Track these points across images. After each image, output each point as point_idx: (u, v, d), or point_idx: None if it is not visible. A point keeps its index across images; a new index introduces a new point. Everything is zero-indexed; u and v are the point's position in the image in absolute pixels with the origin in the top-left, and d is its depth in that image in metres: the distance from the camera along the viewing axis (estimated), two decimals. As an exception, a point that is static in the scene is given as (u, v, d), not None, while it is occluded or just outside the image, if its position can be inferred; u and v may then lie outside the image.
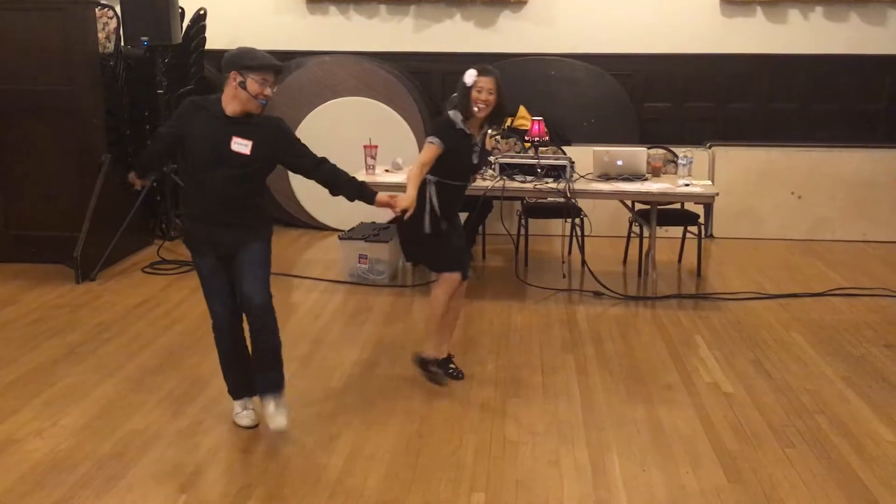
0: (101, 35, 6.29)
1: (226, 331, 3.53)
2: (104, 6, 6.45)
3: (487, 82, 3.80)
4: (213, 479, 3.18)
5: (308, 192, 6.86)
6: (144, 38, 6.03)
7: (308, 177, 3.57)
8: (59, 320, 4.86)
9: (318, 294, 5.42)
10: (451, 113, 3.88)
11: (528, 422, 3.65)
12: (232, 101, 3.33)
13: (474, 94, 3.80)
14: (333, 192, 3.60)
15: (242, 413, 3.63)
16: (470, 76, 3.81)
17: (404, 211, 3.66)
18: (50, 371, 4.14)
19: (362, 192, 3.60)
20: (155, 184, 6.39)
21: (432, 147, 3.82)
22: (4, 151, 5.86)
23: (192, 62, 6.74)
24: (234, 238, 3.39)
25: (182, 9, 6.44)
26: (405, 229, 3.95)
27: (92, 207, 5.72)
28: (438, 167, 3.86)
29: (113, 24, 6.47)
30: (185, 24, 6.58)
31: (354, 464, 3.28)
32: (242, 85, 3.29)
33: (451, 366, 4.11)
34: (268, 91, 3.34)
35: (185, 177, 3.44)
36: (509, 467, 3.27)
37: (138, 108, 6.64)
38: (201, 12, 6.68)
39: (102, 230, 5.74)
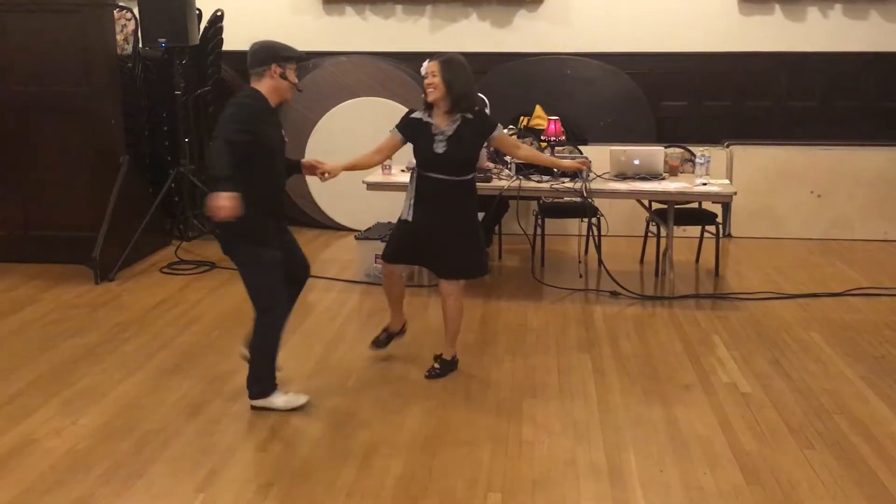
0: (119, 37, 6.33)
1: (285, 323, 3.73)
2: (122, 8, 6.50)
3: (431, 66, 3.89)
4: (230, 478, 3.19)
5: (324, 193, 6.88)
6: (162, 40, 6.06)
7: None
8: (78, 320, 4.90)
9: (335, 294, 5.43)
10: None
11: (545, 421, 3.64)
12: (273, 93, 3.52)
13: (424, 81, 3.92)
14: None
15: (293, 396, 3.75)
16: (423, 66, 3.97)
17: (324, 175, 3.90)
18: (69, 371, 4.18)
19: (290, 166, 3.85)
20: (173, 185, 6.43)
21: (388, 136, 4.05)
22: (24, 152, 5.91)
23: (210, 63, 6.78)
24: (284, 228, 3.74)
25: (199, 10, 6.48)
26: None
27: (110, 208, 5.76)
28: (415, 159, 4.04)
29: (131, 25, 6.52)
30: (202, 26, 6.62)
31: (371, 463, 3.29)
32: (283, 76, 3.50)
33: (435, 365, 4.16)
34: (296, 79, 3.60)
35: (253, 176, 3.45)
36: (526, 467, 3.27)
37: (156, 110, 6.69)
38: (218, 14, 6.72)
39: (121, 231, 5.78)
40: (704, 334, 4.70)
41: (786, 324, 4.86)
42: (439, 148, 3.92)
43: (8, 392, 3.92)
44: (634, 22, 7.23)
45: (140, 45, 6.43)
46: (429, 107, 3.95)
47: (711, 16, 7.20)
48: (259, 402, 3.73)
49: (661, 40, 7.23)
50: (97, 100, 5.81)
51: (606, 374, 4.15)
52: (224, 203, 3.28)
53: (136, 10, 6.28)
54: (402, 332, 4.40)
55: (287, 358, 4.35)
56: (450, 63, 3.88)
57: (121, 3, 6.46)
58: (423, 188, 3.98)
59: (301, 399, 3.76)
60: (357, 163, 4.08)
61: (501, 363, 4.30)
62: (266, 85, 3.50)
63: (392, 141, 4.04)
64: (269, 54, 3.48)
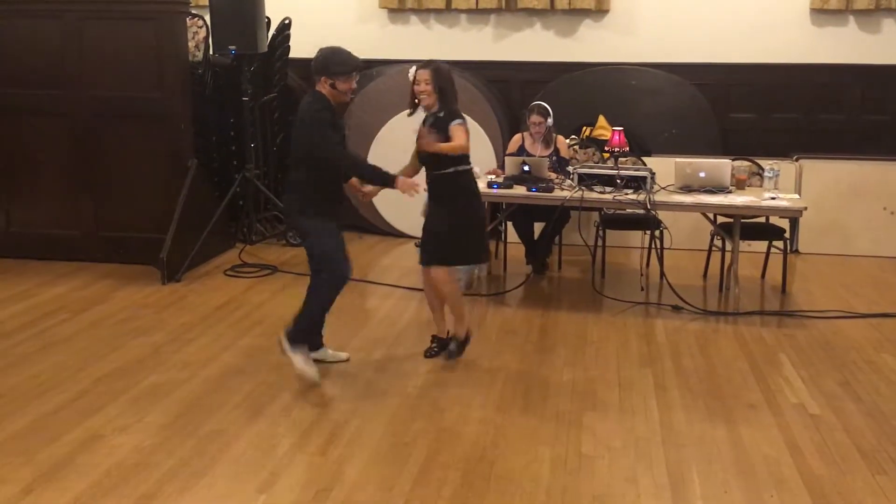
0: (190, 44, 6.49)
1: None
2: (194, 16, 6.66)
3: (422, 74, 4.18)
4: (290, 481, 3.22)
5: (385, 200, 6.92)
6: (232, 47, 6.19)
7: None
8: (145, 320, 5.02)
9: (395, 301, 5.45)
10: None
11: (605, 436, 3.59)
12: (330, 96, 3.99)
13: (415, 87, 4.20)
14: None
15: (308, 367, 4.06)
16: (410, 72, 4.26)
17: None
18: (136, 369, 4.28)
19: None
20: (238, 189, 6.55)
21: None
22: (97, 156, 6.09)
23: (277, 70, 6.90)
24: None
25: (268, 18, 6.59)
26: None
27: (178, 211, 5.89)
28: None
29: (202, 33, 6.67)
30: (270, 33, 6.74)
31: (429, 472, 3.28)
32: (333, 86, 3.96)
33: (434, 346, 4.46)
34: (354, 84, 4.04)
35: (322, 167, 4.02)
36: (585, 483, 3.22)
37: (224, 115, 6.83)
38: (286, 21, 6.84)
39: (188, 233, 5.91)
40: (771, 352, 4.59)
41: (856, 344, 4.71)
42: (419, 146, 4.23)
43: (77, 389, 4.03)
44: (701, 32, 7.12)
45: (210, 52, 6.58)
46: (415, 109, 4.28)
47: (782, 26, 7.05)
48: (286, 346, 4.05)
49: (728, 51, 7.11)
50: (168, 105, 5.96)
51: (668, 391, 4.07)
52: (408, 184, 4.06)
53: (207, 18, 6.43)
54: (454, 340, 4.44)
55: (346, 364, 4.40)
56: (437, 71, 4.18)
57: (193, 11, 6.61)
58: (428, 184, 4.32)
59: (313, 376, 4.04)
60: (407, 170, 4.39)
61: (560, 375, 4.26)
62: (324, 90, 4.00)
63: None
64: (320, 67, 3.95)
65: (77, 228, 6.20)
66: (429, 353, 4.46)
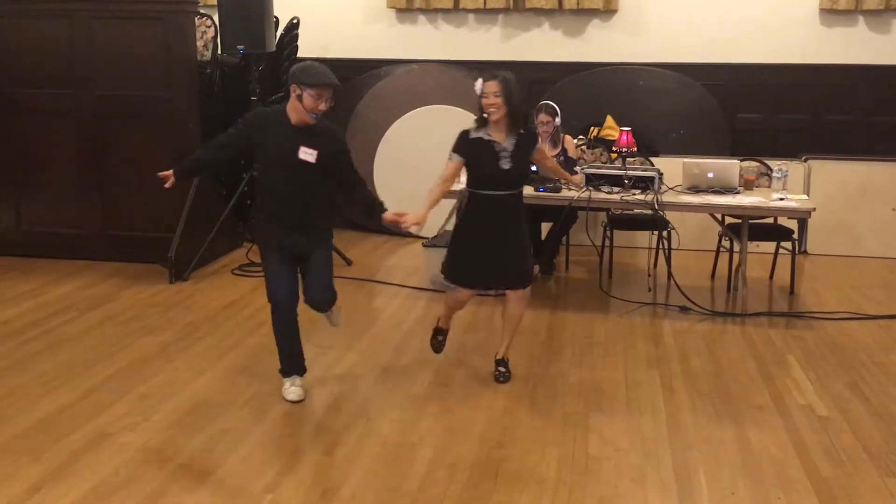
0: (199, 43, 6.50)
1: (285, 318, 3.86)
2: (203, 15, 6.67)
3: (491, 86, 3.88)
4: (297, 480, 3.23)
5: (393, 199, 6.92)
6: (240, 47, 6.19)
7: (346, 192, 3.90)
8: (152, 318, 5.03)
9: (401, 301, 5.45)
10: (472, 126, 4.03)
11: (612, 437, 3.58)
12: (293, 111, 3.65)
13: (483, 101, 3.92)
14: (352, 208, 3.92)
15: (290, 389, 3.89)
16: (477, 85, 3.96)
17: (416, 225, 3.85)
18: (143, 368, 4.29)
19: (374, 210, 3.88)
20: (246, 188, 6.55)
21: (449, 163, 4.01)
22: (105, 155, 6.11)
23: (284, 70, 6.90)
24: (304, 239, 3.77)
25: (276, 18, 6.60)
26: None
27: (186, 210, 5.91)
28: (470, 178, 4.05)
29: (210, 32, 6.69)
30: (278, 33, 6.75)
31: (436, 472, 3.28)
32: (299, 98, 3.59)
33: (501, 368, 4.23)
34: (322, 106, 3.61)
35: (259, 180, 3.87)
36: (592, 483, 3.22)
37: (232, 115, 6.82)
38: (294, 21, 6.84)
39: (195, 232, 5.93)
40: (778, 354, 4.57)
41: (865, 345, 4.69)
42: (505, 164, 3.94)
43: (85, 387, 4.04)
44: (710, 32, 7.10)
45: (219, 52, 6.59)
46: (483, 124, 3.97)
47: (790, 26, 7.03)
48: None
49: (737, 51, 7.09)
50: (177, 104, 5.98)
51: (676, 391, 4.06)
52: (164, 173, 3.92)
53: (215, 18, 6.44)
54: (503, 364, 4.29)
55: (353, 364, 4.40)
56: (508, 82, 3.89)
57: (201, 11, 6.63)
58: (481, 206, 4.00)
59: (293, 396, 3.88)
60: (436, 199, 4.05)
61: (567, 375, 4.25)
62: (290, 102, 3.66)
63: (456, 166, 4.02)
64: (293, 75, 3.63)
65: (85, 227, 6.22)
66: (437, 345, 4.40)
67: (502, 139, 3.96)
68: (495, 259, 4.02)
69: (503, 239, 4.01)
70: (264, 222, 3.82)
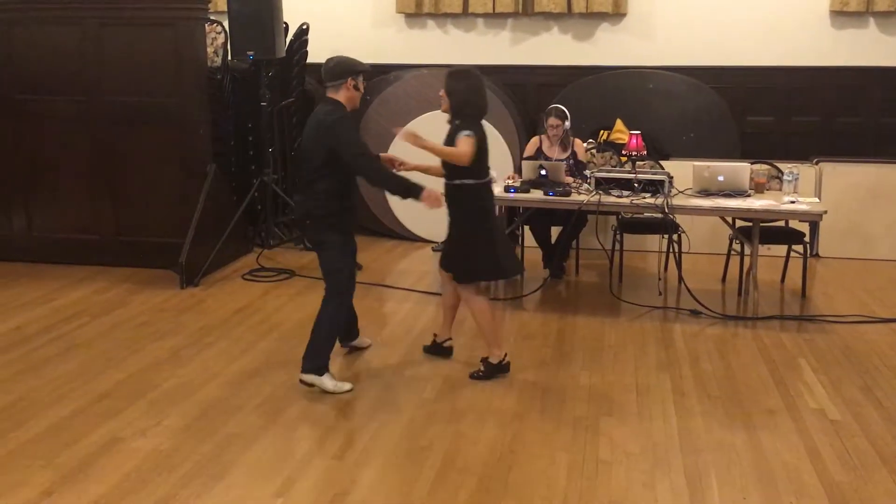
0: (209, 49, 6.53)
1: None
2: (213, 22, 6.70)
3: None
4: (307, 484, 3.23)
5: (402, 204, 6.93)
6: (250, 52, 6.22)
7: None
8: (164, 323, 5.05)
9: (411, 305, 5.46)
10: None
11: (622, 441, 3.57)
12: (349, 101, 4.00)
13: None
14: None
15: (341, 383, 4.08)
16: None
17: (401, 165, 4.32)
18: (155, 372, 4.31)
19: None
20: (256, 194, 6.58)
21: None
22: (116, 160, 6.14)
23: (294, 75, 6.93)
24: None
25: (286, 24, 6.63)
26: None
27: (197, 215, 5.93)
28: None
29: (221, 38, 6.72)
30: (288, 39, 6.77)
31: (446, 476, 3.28)
32: (356, 87, 3.99)
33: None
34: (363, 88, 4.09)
35: (341, 174, 3.99)
36: (602, 488, 3.21)
37: (242, 120, 6.87)
38: (304, 27, 6.87)
39: (206, 237, 5.95)
40: (790, 357, 4.55)
41: (878, 349, 4.66)
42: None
43: (97, 392, 4.06)
44: (719, 35, 7.09)
45: (229, 58, 6.62)
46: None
47: (801, 29, 7.00)
48: (309, 378, 4.04)
49: (747, 54, 7.07)
50: (187, 110, 6.00)
51: (686, 396, 4.05)
52: (434, 197, 3.94)
53: (225, 24, 6.48)
54: (447, 348, 4.49)
55: (363, 368, 4.40)
56: (451, 75, 4.11)
57: (212, 17, 6.66)
58: None
59: (346, 386, 4.06)
60: (430, 169, 4.32)
61: (577, 379, 4.24)
62: (343, 96, 3.98)
63: None
64: (347, 68, 3.97)
65: (97, 233, 6.25)
66: (425, 348, 4.55)
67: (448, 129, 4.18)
68: (445, 246, 4.32)
69: (449, 227, 4.24)
70: (343, 211, 4.04)
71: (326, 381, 4.03)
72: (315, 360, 4.04)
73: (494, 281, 5.06)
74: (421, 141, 3.97)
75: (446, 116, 4.15)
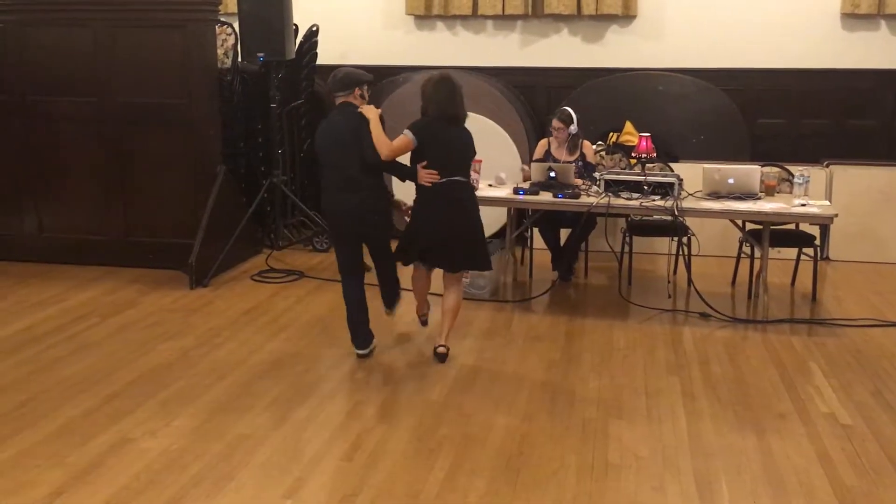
0: (219, 51, 6.55)
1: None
2: (223, 23, 6.72)
3: None
4: (316, 486, 3.23)
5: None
6: (260, 54, 6.23)
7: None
8: (173, 324, 5.07)
9: (420, 306, 5.45)
10: None
11: (632, 444, 3.56)
12: (361, 108, 4.43)
13: None
14: None
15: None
16: None
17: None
18: (165, 373, 4.32)
19: None
20: (266, 195, 6.59)
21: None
22: (126, 161, 6.17)
23: (304, 77, 6.94)
24: None
25: (296, 25, 6.64)
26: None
27: (206, 216, 5.95)
28: None
29: (231, 40, 6.73)
30: (298, 41, 6.78)
31: (455, 478, 3.28)
32: (362, 96, 4.44)
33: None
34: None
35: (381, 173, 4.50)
36: (612, 491, 3.20)
37: (252, 122, 6.88)
38: (314, 28, 6.88)
39: (215, 238, 5.96)
40: (801, 361, 4.53)
41: (889, 352, 4.64)
42: None
43: (107, 392, 4.08)
44: (730, 37, 7.07)
45: (239, 59, 6.63)
46: None
47: (811, 31, 6.97)
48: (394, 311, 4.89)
49: (757, 56, 7.05)
50: (197, 112, 6.02)
51: (696, 399, 4.03)
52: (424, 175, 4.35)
53: (236, 26, 6.49)
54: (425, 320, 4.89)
55: (371, 369, 4.41)
56: (426, 82, 4.47)
57: (222, 19, 6.68)
58: None
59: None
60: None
61: (586, 382, 4.24)
62: (357, 101, 4.42)
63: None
64: (353, 80, 4.39)
65: (107, 233, 6.28)
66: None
67: None
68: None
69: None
70: (387, 204, 4.61)
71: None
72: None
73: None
74: (373, 122, 4.34)
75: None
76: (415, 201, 4.50)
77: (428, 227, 4.44)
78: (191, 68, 5.97)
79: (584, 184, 5.56)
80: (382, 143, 4.31)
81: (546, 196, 5.42)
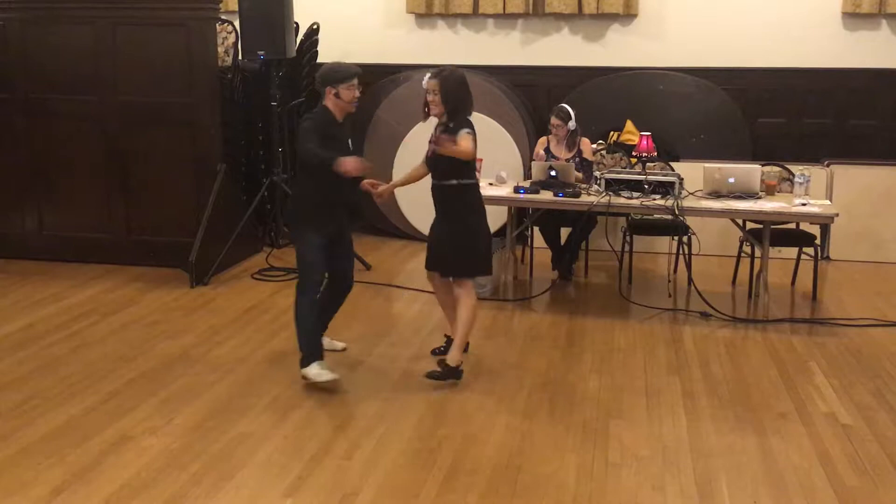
0: (220, 49, 6.55)
1: (316, 301, 4.18)
2: (224, 22, 6.72)
3: (430, 84, 4.08)
4: (317, 485, 3.23)
5: (412, 203, 6.94)
6: (261, 52, 6.24)
7: None
8: (174, 322, 5.07)
9: (420, 306, 5.46)
10: None
11: (632, 444, 3.56)
12: (337, 108, 4.11)
13: (426, 96, 4.12)
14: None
15: (324, 371, 4.07)
16: (424, 80, 4.13)
17: (380, 197, 4.34)
18: (165, 371, 4.32)
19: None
20: (266, 193, 6.59)
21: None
22: (127, 160, 6.17)
23: (304, 75, 6.94)
24: (343, 217, 4.25)
25: (297, 24, 6.64)
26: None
27: (207, 215, 5.95)
28: None
29: (231, 38, 6.74)
30: (298, 39, 6.78)
31: (455, 478, 3.28)
32: (337, 96, 4.06)
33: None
34: (357, 94, 4.11)
35: (317, 174, 4.07)
36: (612, 491, 3.20)
37: (253, 120, 6.88)
38: (314, 27, 6.88)
39: (216, 237, 5.96)
40: (801, 361, 4.53)
41: (889, 352, 4.64)
42: (429, 152, 4.17)
43: (107, 390, 4.08)
44: (731, 36, 7.06)
45: (239, 57, 6.63)
46: (427, 117, 4.20)
47: (813, 30, 6.97)
48: (302, 371, 4.12)
49: (758, 55, 7.04)
50: (198, 110, 6.02)
51: (696, 398, 4.04)
52: (351, 164, 3.90)
53: (236, 24, 6.49)
54: (443, 364, 4.22)
55: (372, 368, 4.41)
56: (448, 81, 4.07)
57: (223, 17, 6.68)
58: (432, 193, 4.24)
59: (326, 375, 4.04)
60: (410, 177, 4.44)
61: (587, 381, 4.24)
62: (329, 102, 4.10)
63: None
64: (324, 79, 4.08)
65: (108, 232, 6.28)
66: (436, 351, 4.47)
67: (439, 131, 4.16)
68: (436, 247, 4.28)
69: (440, 227, 4.24)
70: (314, 207, 4.13)
71: (310, 371, 4.08)
72: (301, 353, 4.17)
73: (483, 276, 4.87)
74: (449, 147, 3.98)
75: (472, 120, 4.14)
76: (472, 206, 4.21)
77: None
78: (192, 66, 5.97)
79: (582, 183, 5.55)
80: (469, 151, 4.02)
81: (546, 195, 5.43)
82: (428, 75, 4.11)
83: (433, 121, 4.29)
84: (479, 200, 4.25)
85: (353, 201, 4.32)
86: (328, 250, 4.15)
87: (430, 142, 4.18)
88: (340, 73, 4.05)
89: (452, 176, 4.13)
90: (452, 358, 4.17)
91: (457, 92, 4.06)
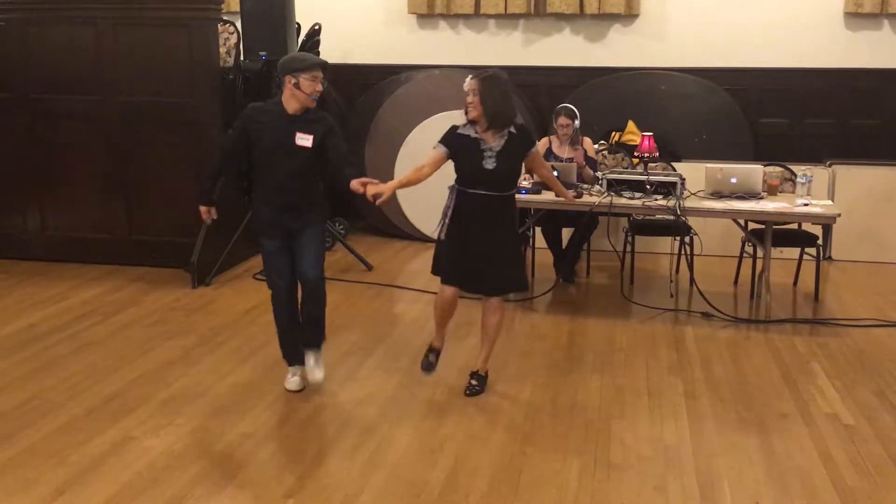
0: (221, 49, 6.55)
1: (284, 303, 4.05)
2: (226, 22, 6.72)
3: (470, 84, 3.86)
4: (318, 485, 3.23)
5: (413, 204, 6.94)
6: (263, 53, 6.23)
7: (336, 169, 3.92)
8: (176, 323, 5.07)
9: (422, 306, 5.45)
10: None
11: (634, 445, 3.56)
12: (293, 100, 3.84)
13: (466, 98, 3.89)
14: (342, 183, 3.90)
15: (292, 379, 4.08)
16: (465, 82, 3.90)
17: (375, 197, 3.79)
18: (167, 372, 4.32)
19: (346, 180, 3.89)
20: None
21: (431, 151, 3.95)
22: (129, 160, 6.17)
23: (306, 76, 6.92)
24: (298, 220, 3.93)
25: (298, 24, 6.63)
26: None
27: (208, 215, 5.94)
28: (457, 175, 3.98)
29: (233, 39, 6.73)
30: (300, 39, 6.78)
31: (457, 478, 3.27)
32: (297, 86, 3.80)
33: (473, 382, 4.11)
34: (319, 87, 3.84)
35: (254, 170, 4.01)
36: (614, 491, 3.20)
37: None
38: (316, 27, 6.87)
39: (217, 237, 5.96)
40: (803, 361, 4.52)
41: (892, 353, 4.63)
42: (489, 164, 3.86)
43: (109, 391, 4.08)
44: (733, 36, 7.05)
45: (241, 58, 6.63)
46: (473, 122, 3.91)
47: (815, 30, 6.96)
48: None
49: (760, 56, 7.04)
50: (199, 110, 6.02)
51: (698, 399, 4.03)
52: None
53: (238, 24, 6.49)
54: (477, 377, 4.15)
55: (373, 369, 4.40)
56: (486, 81, 3.83)
57: (224, 18, 6.67)
58: (466, 205, 3.91)
59: (291, 384, 4.07)
60: (405, 181, 4.01)
61: (588, 382, 4.23)
62: (285, 94, 3.85)
63: (436, 155, 3.93)
64: (284, 67, 3.83)
65: (109, 232, 6.28)
66: (427, 365, 4.17)
67: (490, 138, 3.87)
68: (475, 263, 3.94)
69: (484, 243, 3.91)
70: (256, 212, 4.03)
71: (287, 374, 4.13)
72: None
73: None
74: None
75: (460, 118, 3.98)
76: (515, 221, 4.14)
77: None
78: (193, 67, 5.97)
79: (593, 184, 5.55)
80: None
81: (548, 195, 5.42)
82: (470, 76, 3.90)
83: (434, 121, 4.25)
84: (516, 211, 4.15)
85: (309, 201, 3.94)
86: (289, 253, 3.96)
87: (484, 154, 3.85)
88: (304, 62, 3.81)
89: (514, 186, 4.02)
90: (483, 367, 4.15)
91: (496, 95, 3.82)
